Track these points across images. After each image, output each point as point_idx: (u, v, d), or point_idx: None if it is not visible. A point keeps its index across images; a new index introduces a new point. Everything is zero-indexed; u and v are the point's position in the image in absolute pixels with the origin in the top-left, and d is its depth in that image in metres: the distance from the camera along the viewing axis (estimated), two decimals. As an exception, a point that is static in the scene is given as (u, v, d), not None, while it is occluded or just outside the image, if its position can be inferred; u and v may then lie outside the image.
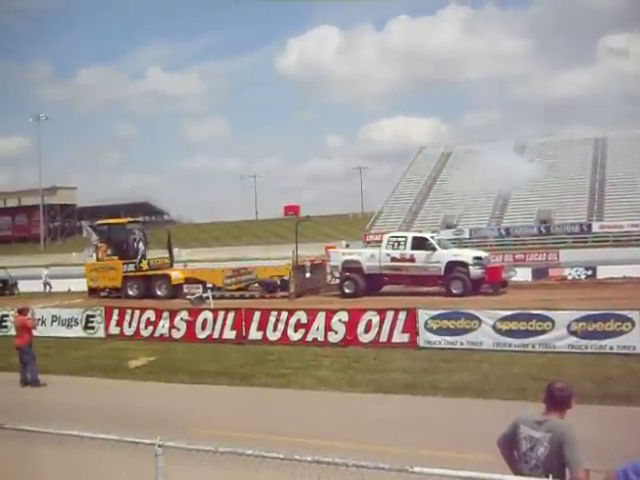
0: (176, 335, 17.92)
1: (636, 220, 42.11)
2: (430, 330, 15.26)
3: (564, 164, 58.40)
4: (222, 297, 27.57)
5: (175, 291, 29.86)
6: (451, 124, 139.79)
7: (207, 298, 21.93)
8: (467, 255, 27.06)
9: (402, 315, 15.58)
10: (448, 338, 15.06)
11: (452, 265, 26.02)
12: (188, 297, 23.59)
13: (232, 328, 17.31)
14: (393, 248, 27.13)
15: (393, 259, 26.89)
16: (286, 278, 28.38)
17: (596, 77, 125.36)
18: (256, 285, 29.95)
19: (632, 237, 41.79)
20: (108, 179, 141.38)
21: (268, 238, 73.76)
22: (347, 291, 26.99)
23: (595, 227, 49.37)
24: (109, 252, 32.07)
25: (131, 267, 31.07)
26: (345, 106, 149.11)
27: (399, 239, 27.66)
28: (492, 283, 26.09)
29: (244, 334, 17.13)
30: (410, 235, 28.52)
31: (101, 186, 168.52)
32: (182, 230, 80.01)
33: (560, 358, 13.42)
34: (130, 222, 34.92)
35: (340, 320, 16.18)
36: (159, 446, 5.11)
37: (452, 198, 59.06)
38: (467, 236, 53.15)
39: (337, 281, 28.70)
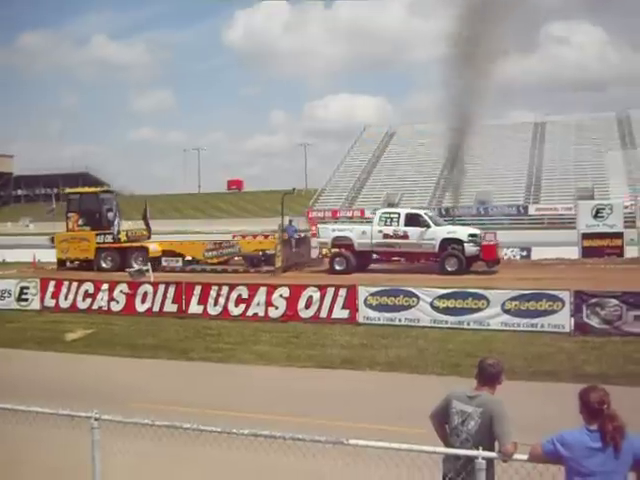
0: (115, 308, 17.67)
1: (569, 204, 43.36)
2: (370, 306, 15.48)
3: (504, 148, 59.57)
4: (203, 271, 27.18)
5: (152, 264, 28.17)
6: (396, 103, 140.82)
7: (147, 271, 21.56)
8: (462, 232, 26.31)
9: (342, 291, 15.75)
10: (387, 314, 15.31)
11: (446, 242, 25.50)
12: (127, 270, 23.11)
13: (173, 302, 17.18)
14: (385, 224, 26.46)
15: (385, 236, 26.22)
16: (270, 252, 27.70)
17: (537, 63, 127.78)
18: (238, 259, 29.12)
19: (565, 220, 43.05)
20: (49, 148, 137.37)
21: (210, 212, 73.10)
22: (338, 268, 26.15)
23: (531, 210, 50.73)
24: (80, 222, 30.54)
25: (107, 238, 29.72)
26: (291, 82, 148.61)
27: (392, 215, 26.96)
28: (487, 260, 25.66)
29: (184, 308, 17.02)
30: (403, 211, 27.81)
31: (42, 155, 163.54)
32: (124, 202, 78.44)
33: (494, 335, 13.83)
34: (103, 191, 33.35)
35: (281, 295, 16.24)
36: (95, 419, 5.08)
37: (395, 177, 59.64)
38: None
39: (323, 257, 28.28)
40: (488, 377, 4.79)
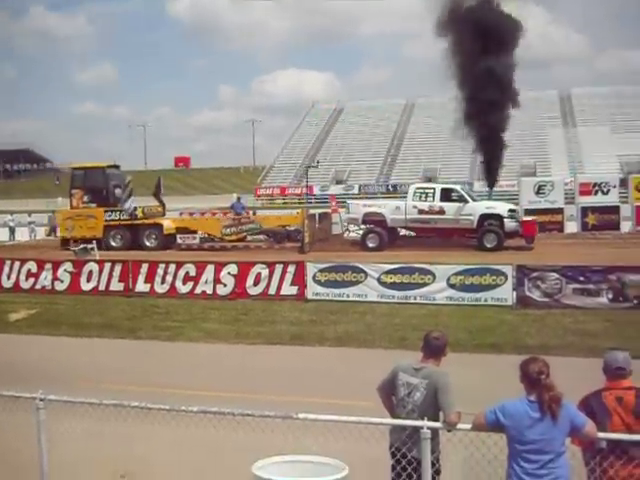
0: (59, 287, 17.33)
1: (513, 180, 44.26)
2: (318, 283, 15.58)
3: (450, 124, 60.27)
4: (223, 248, 26.21)
5: (166, 241, 27.62)
6: (344, 79, 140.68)
7: (92, 249, 21.18)
8: (501, 207, 25.33)
9: (291, 268, 15.80)
10: (335, 290, 15.45)
11: (485, 218, 24.61)
12: (72, 248, 22.58)
13: (119, 280, 16.93)
14: (420, 200, 25.35)
15: (421, 211, 25.09)
16: (291, 228, 27.17)
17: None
18: (259, 236, 28.34)
19: (506, 195, 43.92)
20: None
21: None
22: (371, 245, 24.97)
23: (476, 186, 51.56)
24: (85, 199, 29.11)
25: (117, 215, 28.30)
26: (238, 56, 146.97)
27: (426, 190, 25.84)
28: (527, 236, 24.77)
29: (131, 286, 16.82)
30: (439, 186, 26.75)
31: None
32: (68, 178, 76.55)
33: (439, 309, 14.13)
34: (110, 166, 31.29)
35: (229, 273, 16.20)
36: (40, 400, 5.01)
37: (343, 154, 59.77)
38: (356, 191, 54.15)
39: (352, 234, 27.42)
40: (433, 350, 4.92)
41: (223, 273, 16.21)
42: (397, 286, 15.03)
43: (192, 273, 16.44)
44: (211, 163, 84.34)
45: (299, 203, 52.83)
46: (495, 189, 49.56)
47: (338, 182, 55.85)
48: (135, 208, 28.54)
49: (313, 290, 15.60)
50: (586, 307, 13.72)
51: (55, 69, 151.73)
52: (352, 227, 27.73)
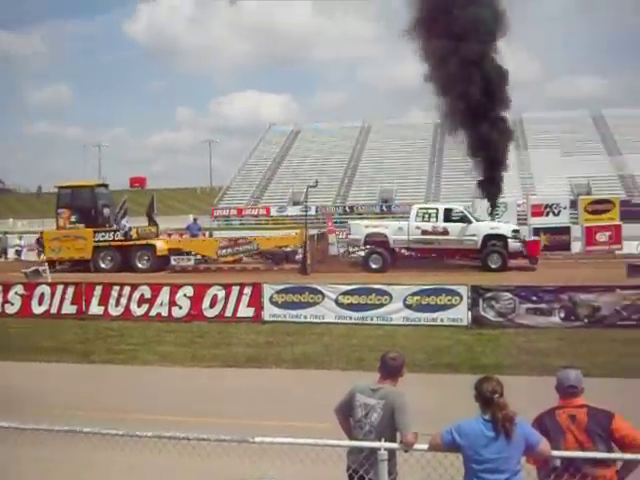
0: (10, 310, 16.93)
1: (467, 202, 44.92)
2: (275, 304, 15.53)
3: (406, 147, 61.15)
4: (220, 270, 25.75)
5: (159, 263, 26.99)
6: (301, 102, 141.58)
7: (44, 272, 20.73)
8: (505, 228, 25.26)
9: (247, 290, 15.73)
10: (292, 312, 15.41)
11: (488, 238, 24.58)
12: (23, 271, 22.08)
13: (72, 303, 16.61)
14: (423, 220, 25.20)
15: (424, 232, 24.96)
16: (288, 249, 26.85)
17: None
18: (255, 257, 27.81)
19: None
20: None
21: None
22: (374, 266, 24.65)
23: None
24: (73, 219, 28.18)
25: (107, 236, 27.39)
26: (196, 78, 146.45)
27: (429, 211, 25.69)
28: (531, 257, 24.84)
29: (84, 309, 16.49)
30: (442, 207, 26.56)
31: None
32: (17, 200, 74.97)
33: (396, 330, 14.20)
34: (98, 185, 30.67)
35: (185, 295, 16.03)
36: (-12, 427, 4.86)
37: (300, 175, 59.96)
38: (313, 213, 54.26)
39: (354, 255, 27.05)
40: (390, 370, 4.94)
41: (179, 295, 16.03)
42: (354, 307, 15.08)
43: (147, 295, 16.22)
44: (168, 184, 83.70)
45: (256, 224, 52.73)
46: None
47: (295, 203, 55.96)
48: (130, 228, 27.87)
49: (270, 312, 15.53)
50: (539, 326, 13.97)
51: (7, 89, 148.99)
52: (352, 248, 27.40)
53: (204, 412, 8.79)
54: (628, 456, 4.28)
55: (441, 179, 57.19)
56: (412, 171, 58.26)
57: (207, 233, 31.94)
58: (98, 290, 16.58)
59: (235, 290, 15.77)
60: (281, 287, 15.81)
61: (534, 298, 14.29)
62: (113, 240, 27.28)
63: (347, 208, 54.22)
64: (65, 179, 34.87)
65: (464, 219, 25.06)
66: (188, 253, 27.42)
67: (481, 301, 14.46)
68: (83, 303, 16.52)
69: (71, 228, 28.04)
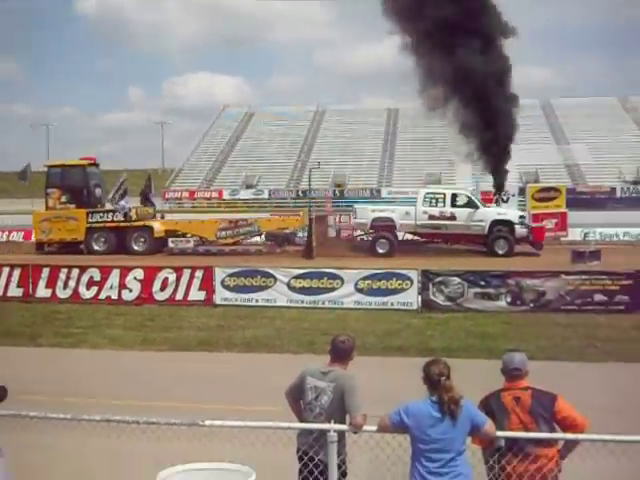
0: (-49, 293, 16.44)
1: (419, 187, 45.41)
2: (227, 288, 15.46)
3: (360, 132, 61.28)
4: (221, 252, 25.12)
5: (157, 245, 26.25)
6: (255, 84, 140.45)
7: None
8: (512, 213, 25.50)
9: (199, 273, 15.62)
10: (244, 295, 15.38)
11: (495, 224, 24.72)
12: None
13: (18, 285, 16.23)
14: (430, 205, 25.16)
15: (431, 217, 24.93)
16: (289, 231, 26.50)
17: (391, 52, 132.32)
18: (256, 239, 27.38)
19: (412, 202, 44.94)
20: None
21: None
22: (381, 251, 24.48)
23: (384, 192, 52.60)
24: (64, 199, 27.19)
25: (102, 217, 26.55)
26: (148, 57, 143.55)
27: (437, 196, 25.54)
28: (536, 243, 25.15)
29: (31, 292, 16.13)
30: (449, 192, 26.34)
31: None
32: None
33: (347, 314, 14.32)
34: (90, 164, 29.29)
35: (135, 278, 15.83)
36: None
37: (253, 158, 59.60)
38: (266, 196, 54.11)
39: (358, 238, 26.94)
40: (340, 353, 4.98)
41: (129, 278, 15.82)
42: (306, 291, 15.13)
43: (96, 278, 15.97)
44: (119, 165, 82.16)
45: (208, 207, 52.23)
46: (402, 197, 50.91)
47: (248, 187, 55.63)
48: (129, 209, 27.08)
49: (221, 295, 15.46)
50: (486, 310, 14.27)
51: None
52: (357, 232, 27.26)
53: (154, 396, 8.72)
54: (569, 436, 4.43)
55: (394, 164, 57.56)
56: (365, 156, 58.46)
57: (158, 216, 31.41)
58: (45, 272, 16.24)
59: (186, 273, 15.64)
60: (233, 270, 15.74)
61: (482, 283, 14.58)
62: (111, 221, 26.55)
63: (300, 192, 54.15)
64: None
65: (471, 204, 25.17)
66: (184, 235, 26.93)
67: (431, 285, 14.68)
68: (30, 285, 16.16)
69: (62, 209, 27.17)
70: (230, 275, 15.53)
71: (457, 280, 14.62)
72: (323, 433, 4.48)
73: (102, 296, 15.86)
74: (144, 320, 14.28)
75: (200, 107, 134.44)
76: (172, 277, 15.63)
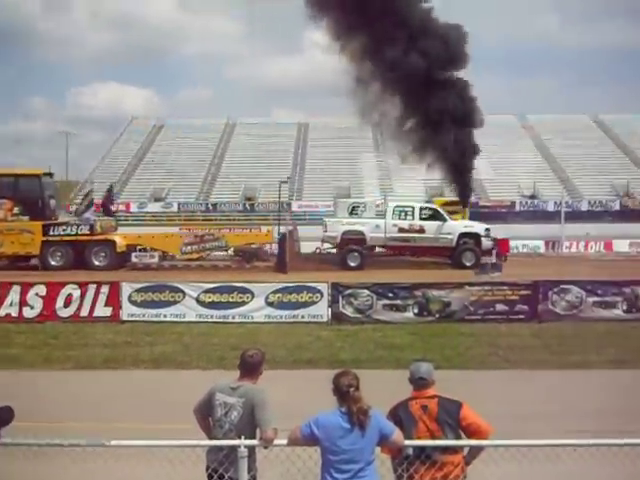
0: None
1: (329, 201, 45.88)
2: (134, 303, 15.09)
3: (270, 145, 61.41)
4: (187, 268, 24.23)
5: (118, 260, 24.89)
6: (165, 96, 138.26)
7: None
8: (479, 226, 26.28)
9: (105, 289, 15.17)
10: (152, 311, 15.05)
11: (462, 236, 25.36)
12: None
13: None
14: (400, 218, 25.63)
15: (401, 230, 25.38)
16: (256, 247, 26.12)
17: (302, 67, 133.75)
18: (222, 254, 26.59)
19: (324, 216, 45.35)
20: None
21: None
22: (352, 264, 24.69)
23: (294, 206, 52.83)
24: (16, 211, 25.18)
25: (60, 230, 24.85)
26: (53, 66, 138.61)
27: (406, 209, 26.12)
28: (502, 254, 25.80)
29: None
30: (418, 205, 27.14)
31: None
32: None
33: (258, 328, 14.27)
34: (45, 174, 27.35)
35: (37, 294, 15.19)
36: None
37: (162, 171, 58.59)
38: (175, 210, 53.25)
39: (324, 252, 26.78)
40: (249, 368, 4.96)
41: (30, 294, 15.16)
42: (216, 305, 14.97)
43: (-6, 295, 15.19)
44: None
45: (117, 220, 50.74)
46: (312, 210, 51.32)
47: (157, 199, 54.57)
48: (94, 221, 25.72)
49: (128, 311, 15.07)
50: (394, 322, 14.57)
51: None
52: (326, 245, 27.17)
53: (58, 416, 8.37)
54: (473, 442, 4.58)
55: (304, 178, 57.97)
56: (276, 169, 58.60)
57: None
58: (-64, 290, 15.32)
59: (92, 289, 15.15)
60: (140, 285, 15.39)
61: (390, 295, 14.87)
62: (76, 234, 25.17)
63: (210, 205, 53.62)
64: None
65: (439, 217, 25.73)
66: (145, 250, 26.10)
67: (341, 298, 14.84)
68: None
69: (14, 220, 25.48)
70: (137, 290, 15.16)
71: (366, 292, 14.86)
72: (233, 449, 4.44)
73: (2, 313, 15.11)
74: (46, 338, 13.70)
75: (107, 118, 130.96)
76: (76, 293, 15.10)
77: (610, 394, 9.34)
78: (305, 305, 14.85)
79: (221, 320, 14.77)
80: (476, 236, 25.66)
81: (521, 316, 14.85)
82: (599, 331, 13.73)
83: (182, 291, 15.08)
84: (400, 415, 4.70)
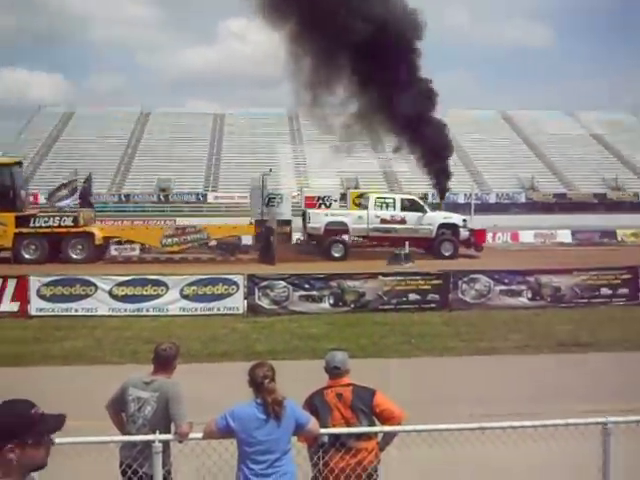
0: None
1: (244, 192, 45.69)
2: (43, 297, 14.56)
3: (185, 136, 60.46)
4: (170, 261, 23.56)
5: (97, 253, 23.86)
6: (74, 83, 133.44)
7: None
8: (457, 217, 26.97)
9: (11, 283, 14.56)
10: (62, 305, 14.57)
11: (441, 227, 26.01)
12: None
13: None
14: (382, 209, 26.03)
15: (383, 220, 25.79)
16: (234, 240, 25.57)
17: (218, 56, 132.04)
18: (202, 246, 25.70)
19: (240, 208, 45.18)
20: None
21: None
22: (336, 255, 24.92)
23: (210, 197, 52.35)
24: None
25: (49, 222, 23.61)
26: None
27: (387, 200, 26.65)
28: (478, 245, 26.55)
29: None
30: (398, 196, 27.72)
31: None
32: None
33: (172, 321, 14.07)
34: (15, 163, 25.57)
35: None
36: None
37: (73, 159, 56.66)
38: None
39: (297, 241, 26.83)
40: (163, 361, 4.90)
41: None
42: (129, 299, 14.64)
43: None
44: None
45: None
46: (228, 201, 50.98)
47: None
48: (78, 213, 24.74)
49: (37, 306, 14.53)
50: (310, 312, 14.68)
51: None
52: (303, 237, 27.40)
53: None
54: (387, 428, 4.70)
55: (220, 169, 57.43)
56: (191, 161, 57.75)
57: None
58: None
59: (-4, 283, 14.52)
60: (50, 279, 14.85)
61: (306, 286, 14.98)
62: (57, 226, 24.13)
63: (123, 197, 52.31)
64: None
65: (419, 208, 26.42)
66: (129, 242, 25.39)
67: (257, 290, 14.83)
68: None
69: None
70: (46, 284, 14.63)
71: (282, 284, 14.90)
72: (147, 445, 4.39)
73: None
74: (-53, 335, 13.04)
75: (14, 105, 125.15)
76: (-20, 288, 14.43)
77: (516, 378, 9.77)
78: (221, 297, 14.75)
79: (135, 314, 14.47)
80: (455, 227, 26.61)
81: (433, 305, 15.27)
82: (505, 318, 14.30)
83: (94, 284, 14.66)
84: (316, 404, 4.77)
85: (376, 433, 4.75)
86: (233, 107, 67.84)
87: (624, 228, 38.44)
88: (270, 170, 35.10)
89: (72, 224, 24.49)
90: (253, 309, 14.73)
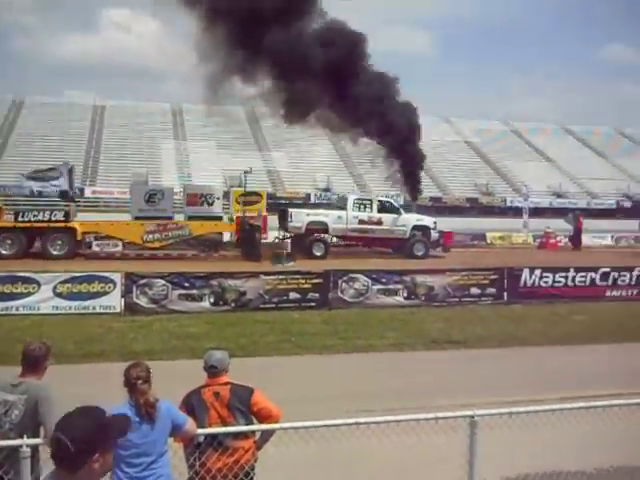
0: None
1: (125, 188, 44.28)
2: None
3: (63, 127, 57.80)
4: (154, 257, 23.12)
5: (76, 248, 22.82)
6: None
7: None
8: (428, 219, 28.57)
9: None
10: None
11: (414, 229, 27.47)
12: None
13: None
14: (360, 210, 27.15)
15: (361, 221, 26.92)
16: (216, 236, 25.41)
17: (99, 46, 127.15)
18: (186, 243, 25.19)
19: (120, 204, 43.72)
20: None
21: None
22: (317, 253, 25.70)
23: (87, 192, 50.29)
24: None
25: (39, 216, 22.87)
26: None
27: (364, 202, 27.83)
28: (446, 245, 28.26)
29: None
30: (375, 198, 29.03)
31: None
32: None
33: (44, 319, 13.46)
34: None
35: None
36: None
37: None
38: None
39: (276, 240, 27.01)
40: (32, 362, 4.71)
41: None
42: (-3, 297, 13.85)
43: None
44: None
45: None
46: (107, 196, 49.23)
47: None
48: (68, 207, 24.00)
49: None
50: (190, 311, 14.50)
51: None
52: (284, 235, 27.53)
53: None
54: (264, 427, 4.75)
55: (99, 163, 55.34)
56: (68, 153, 55.25)
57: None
58: None
59: None
60: None
61: (186, 284, 14.77)
62: (49, 220, 23.28)
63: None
64: None
65: (394, 210, 27.83)
66: (110, 237, 24.80)
67: (135, 288, 14.46)
68: None
69: None
70: None
71: (161, 282, 14.61)
72: (14, 450, 4.19)
73: None
74: None
75: None
76: None
77: (391, 375, 10.12)
78: (97, 295, 14.27)
79: (4, 312, 13.70)
80: (425, 228, 28.05)
81: (313, 304, 15.50)
82: (382, 317, 14.76)
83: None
84: (192, 403, 4.75)
85: (254, 432, 4.79)
86: (114, 99, 65.54)
87: (493, 231, 40.60)
88: (250, 169, 35.22)
89: (63, 219, 23.71)
90: (131, 308, 14.35)
